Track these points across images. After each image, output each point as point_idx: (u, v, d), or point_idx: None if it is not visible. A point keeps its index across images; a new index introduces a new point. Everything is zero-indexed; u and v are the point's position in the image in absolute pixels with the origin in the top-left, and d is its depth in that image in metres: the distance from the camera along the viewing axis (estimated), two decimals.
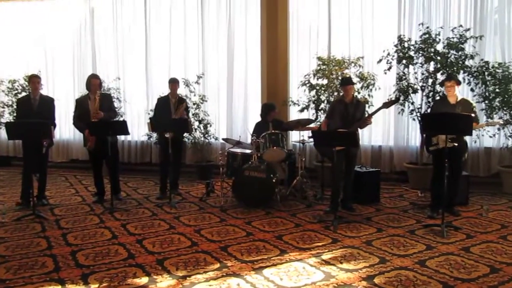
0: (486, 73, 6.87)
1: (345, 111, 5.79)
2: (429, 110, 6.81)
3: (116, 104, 8.46)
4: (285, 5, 8.40)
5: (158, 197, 6.92)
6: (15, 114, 8.35)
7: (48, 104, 6.41)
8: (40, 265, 4.11)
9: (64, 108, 9.46)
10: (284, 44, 8.47)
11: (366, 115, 5.82)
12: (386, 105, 5.70)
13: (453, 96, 5.51)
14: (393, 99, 6.37)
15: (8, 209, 6.14)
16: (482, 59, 7.04)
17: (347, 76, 6.80)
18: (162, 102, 6.94)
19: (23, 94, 8.56)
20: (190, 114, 8.31)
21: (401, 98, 7.12)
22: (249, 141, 7.00)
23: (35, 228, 5.33)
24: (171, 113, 6.74)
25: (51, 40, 10.10)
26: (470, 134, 5.03)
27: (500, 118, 6.71)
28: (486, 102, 6.87)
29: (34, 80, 6.35)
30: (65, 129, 10.02)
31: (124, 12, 9.58)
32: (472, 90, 7.03)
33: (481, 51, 7.32)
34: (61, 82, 10.04)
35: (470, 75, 6.93)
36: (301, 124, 6.72)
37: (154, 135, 8.56)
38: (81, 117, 6.37)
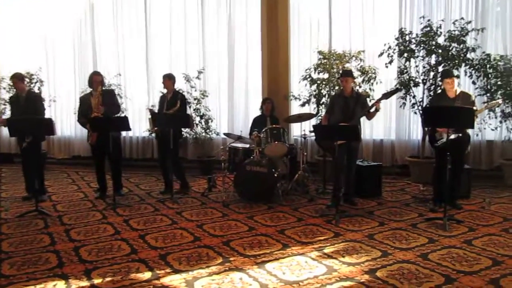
0: (487, 65, 6.83)
1: (345, 105, 5.76)
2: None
3: None
4: None
5: (161, 191, 6.95)
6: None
7: (34, 99, 6.48)
8: (43, 261, 4.12)
9: (65, 105, 9.44)
10: (285, 38, 8.45)
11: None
12: (386, 95, 5.63)
13: (453, 90, 5.45)
14: (393, 89, 6.33)
15: (11, 206, 6.16)
16: (483, 52, 7.00)
17: (348, 69, 6.77)
18: (161, 99, 6.99)
19: None
20: (192, 110, 8.32)
21: (401, 88, 7.09)
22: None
23: (38, 224, 5.35)
24: (163, 109, 6.77)
25: (51, 36, 10.10)
26: (472, 127, 5.02)
27: (498, 98, 6.57)
28: (488, 95, 6.84)
29: (13, 81, 6.50)
30: (66, 126, 10.03)
31: (124, 8, 9.56)
32: (473, 83, 7.00)
33: (483, 43, 7.29)
34: (62, 78, 10.02)
35: (471, 68, 6.89)
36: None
37: None
38: (84, 114, 6.40)
